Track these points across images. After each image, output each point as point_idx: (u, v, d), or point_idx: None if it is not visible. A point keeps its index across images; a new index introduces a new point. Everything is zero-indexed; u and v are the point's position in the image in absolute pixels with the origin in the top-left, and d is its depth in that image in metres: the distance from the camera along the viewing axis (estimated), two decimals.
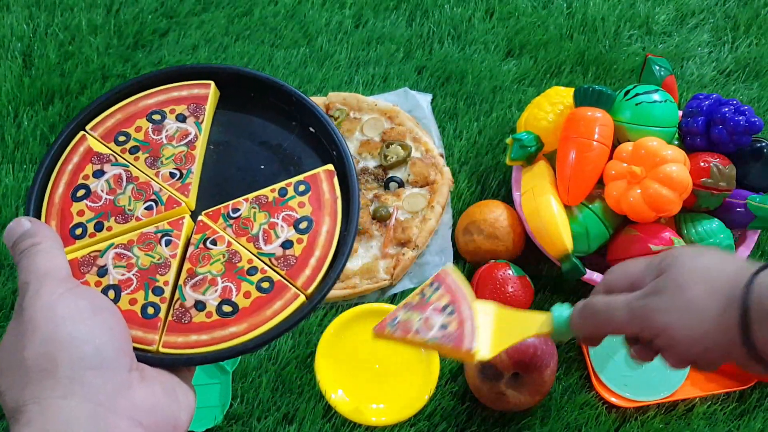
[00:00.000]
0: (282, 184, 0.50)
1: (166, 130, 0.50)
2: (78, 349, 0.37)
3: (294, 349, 0.72)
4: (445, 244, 0.78)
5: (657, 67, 0.79)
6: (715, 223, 0.72)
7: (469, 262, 0.78)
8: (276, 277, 0.47)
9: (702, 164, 0.72)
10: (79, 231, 0.47)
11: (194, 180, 0.49)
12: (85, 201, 0.48)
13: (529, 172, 0.77)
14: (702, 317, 0.42)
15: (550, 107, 0.77)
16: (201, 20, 0.92)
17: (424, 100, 0.87)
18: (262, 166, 0.52)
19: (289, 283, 0.47)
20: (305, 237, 0.48)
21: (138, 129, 0.50)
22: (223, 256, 0.47)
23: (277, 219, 0.49)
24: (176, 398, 0.41)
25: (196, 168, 0.49)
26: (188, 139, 0.50)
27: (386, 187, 0.81)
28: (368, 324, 0.70)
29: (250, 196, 0.50)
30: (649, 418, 0.71)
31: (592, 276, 0.72)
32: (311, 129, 0.53)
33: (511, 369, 0.66)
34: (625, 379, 0.71)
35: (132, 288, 0.45)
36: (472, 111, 0.87)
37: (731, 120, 0.71)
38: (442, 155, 0.83)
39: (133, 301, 0.45)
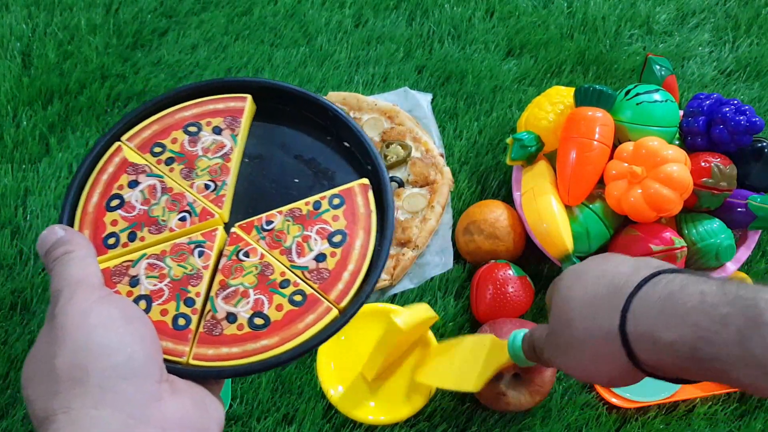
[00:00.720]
0: (316, 197, 0.50)
1: (202, 142, 0.50)
2: (109, 359, 0.37)
3: None
4: (445, 244, 0.78)
5: (658, 67, 0.78)
6: (716, 223, 0.72)
7: (469, 262, 0.77)
8: (309, 290, 0.46)
9: (703, 164, 0.71)
10: (112, 241, 0.47)
11: (228, 192, 0.49)
12: (119, 211, 0.48)
13: (529, 172, 0.77)
14: (590, 356, 0.44)
15: (550, 107, 0.77)
16: (200, 20, 0.91)
17: (424, 99, 0.87)
18: (296, 180, 0.52)
19: (322, 296, 0.46)
20: (339, 250, 0.48)
21: (174, 140, 0.50)
22: (256, 269, 0.47)
23: (311, 232, 0.49)
24: (206, 411, 0.40)
25: (231, 180, 0.49)
26: (224, 151, 0.50)
27: None
28: (370, 324, 0.70)
29: (284, 208, 0.50)
30: (649, 419, 0.71)
31: None
32: (346, 143, 0.53)
33: (512, 369, 0.66)
34: None
35: (164, 299, 0.45)
36: (473, 111, 0.87)
37: (732, 120, 0.71)
38: (442, 155, 0.83)
39: (164, 312, 0.45)
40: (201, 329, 0.45)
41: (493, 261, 0.74)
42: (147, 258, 0.47)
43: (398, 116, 0.84)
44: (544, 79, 0.91)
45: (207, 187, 0.49)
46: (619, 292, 0.41)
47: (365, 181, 0.51)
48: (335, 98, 0.85)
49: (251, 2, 0.93)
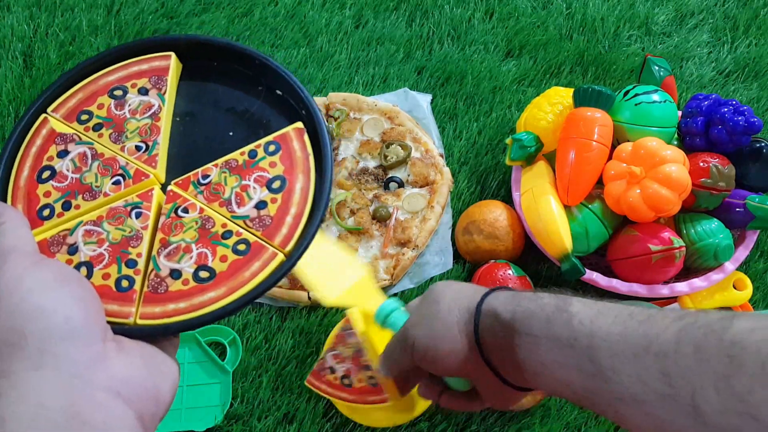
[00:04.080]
0: (251, 146, 0.50)
1: (129, 105, 0.50)
2: (46, 320, 0.36)
3: (294, 349, 0.72)
4: (445, 244, 0.79)
5: (656, 68, 0.79)
6: (715, 223, 0.72)
7: (469, 262, 0.78)
8: (252, 238, 0.46)
9: (701, 164, 0.72)
10: (46, 212, 0.47)
11: (161, 151, 0.49)
12: (50, 182, 0.48)
13: (528, 172, 0.77)
14: (443, 324, 0.49)
15: (549, 107, 0.77)
16: (201, 21, 0.92)
17: (424, 100, 0.87)
18: (231, 133, 0.52)
19: (266, 242, 0.46)
20: (279, 196, 0.48)
21: (100, 106, 0.50)
22: (196, 223, 0.47)
23: (249, 181, 0.48)
24: (157, 369, 0.40)
25: (162, 139, 0.49)
26: (152, 111, 0.50)
27: (386, 187, 0.81)
28: (373, 324, 0.70)
29: (220, 161, 0.49)
30: None
31: (592, 276, 0.72)
32: (278, 92, 0.53)
33: None
34: None
35: (104, 263, 0.45)
36: (472, 111, 0.88)
37: (730, 120, 0.71)
38: (442, 155, 0.83)
39: (106, 276, 0.44)
40: (145, 288, 0.44)
41: (492, 261, 0.74)
42: (84, 225, 0.46)
43: (398, 117, 0.84)
44: (544, 79, 0.91)
45: (138, 148, 0.48)
46: (483, 290, 0.50)
47: (299, 125, 0.50)
48: (335, 99, 0.85)
49: (252, 3, 0.93)
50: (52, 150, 0.49)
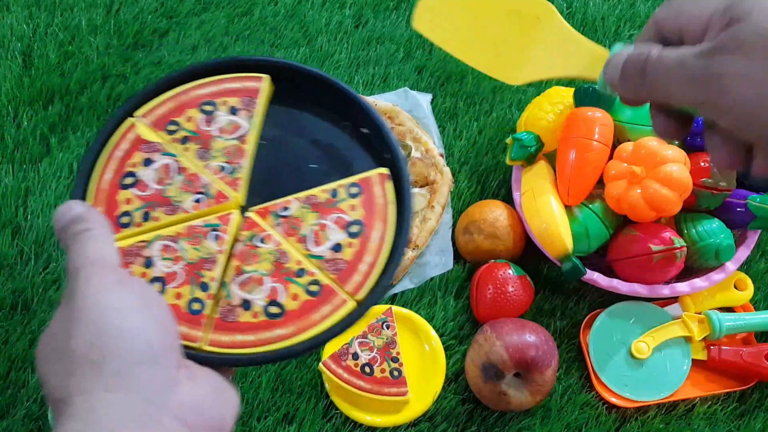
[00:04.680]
0: (334, 185, 0.48)
1: (218, 122, 0.49)
2: (128, 343, 0.36)
3: None
4: (445, 244, 0.78)
5: None
6: (716, 223, 0.72)
7: (469, 262, 0.77)
8: (325, 280, 0.45)
9: (702, 164, 0.71)
10: (126, 219, 0.46)
11: (244, 175, 0.48)
12: (132, 189, 0.47)
13: (529, 172, 0.77)
14: None
15: (550, 107, 0.77)
16: (201, 20, 0.92)
17: (424, 99, 0.87)
18: (313, 165, 0.50)
19: (339, 287, 0.45)
20: (356, 241, 0.46)
21: (189, 119, 0.49)
22: (272, 255, 0.46)
23: (328, 221, 0.47)
24: (223, 397, 0.39)
25: (246, 163, 0.48)
26: (239, 132, 0.48)
27: None
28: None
29: (301, 195, 0.48)
30: (649, 419, 0.71)
31: (593, 276, 0.72)
32: (364, 130, 0.51)
33: (513, 369, 0.66)
34: (626, 379, 0.71)
35: (178, 282, 0.44)
36: (472, 111, 0.87)
37: None
38: (442, 155, 0.83)
39: (179, 296, 0.44)
40: (216, 315, 0.44)
41: (492, 261, 0.74)
42: (161, 239, 0.45)
43: (398, 116, 0.84)
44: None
45: (222, 168, 0.47)
46: None
47: (384, 170, 0.48)
48: None
49: (251, 3, 0.93)
50: (137, 157, 0.48)
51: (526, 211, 0.75)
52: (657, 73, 0.34)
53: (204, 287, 0.44)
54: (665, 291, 0.72)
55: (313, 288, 0.45)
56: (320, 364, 0.66)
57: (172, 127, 0.48)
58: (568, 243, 0.71)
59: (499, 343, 0.66)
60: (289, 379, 0.70)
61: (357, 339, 0.67)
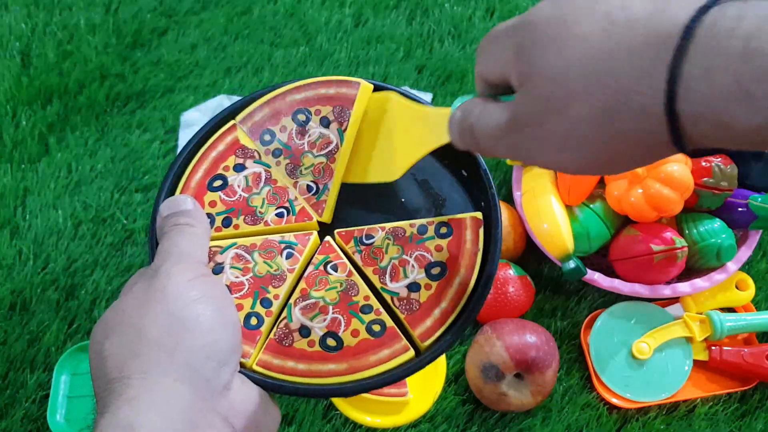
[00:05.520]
0: (423, 221, 0.46)
1: (309, 135, 0.47)
2: (202, 337, 0.36)
3: None
4: None
5: None
6: (717, 223, 0.72)
7: None
8: (389, 322, 0.43)
9: (703, 164, 0.71)
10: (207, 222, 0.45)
11: (330, 197, 0.46)
12: (219, 192, 0.46)
13: (529, 172, 0.77)
14: (603, 149, 0.28)
15: None
16: (200, 19, 0.91)
17: (425, 99, 0.86)
18: (404, 199, 0.48)
19: (403, 331, 0.43)
20: (435, 284, 0.44)
21: (282, 129, 0.48)
22: (341, 285, 0.44)
23: (410, 257, 0.45)
24: (268, 410, 0.39)
25: (333, 184, 0.46)
26: (329, 149, 0.47)
27: None
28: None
29: (388, 225, 0.46)
30: (650, 419, 0.71)
31: (593, 276, 0.72)
32: (463, 172, 0.49)
33: (513, 370, 0.65)
34: (626, 379, 0.71)
35: (242, 293, 0.43)
36: None
37: None
38: None
39: (239, 307, 0.42)
40: (272, 335, 0.42)
41: None
42: (236, 248, 0.44)
43: None
44: None
45: (309, 189, 0.46)
46: (654, 45, 0.25)
47: (479, 215, 0.45)
48: None
49: (251, 1, 0.93)
50: (231, 160, 0.47)
51: (527, 211, 0.74)
52: (482, 138, 0.34)
53: (266, 303, 0.43)
54: (666, 291, 0.71)
55: (376, 328, 0.43)
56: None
57: (267, 137, 0.48)
58: (569, 243, 0.71)
59: (500, 343, 0.66)
60: None
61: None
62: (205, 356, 0.36)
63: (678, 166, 0.67)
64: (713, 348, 0.72)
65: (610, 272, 0.73)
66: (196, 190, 0.46)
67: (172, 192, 0.46)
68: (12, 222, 0.76)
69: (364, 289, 0.44)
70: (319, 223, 0.46)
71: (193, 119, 0.83)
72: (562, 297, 0.76)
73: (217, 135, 0.48)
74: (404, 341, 0.42)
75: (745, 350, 0.71)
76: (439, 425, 0.69)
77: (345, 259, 0.45)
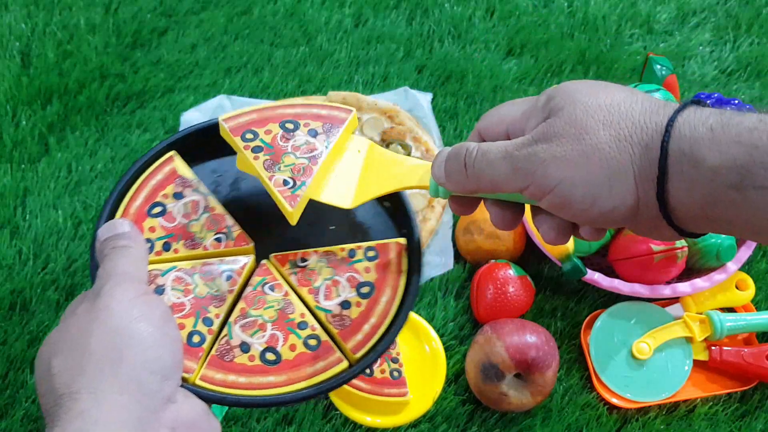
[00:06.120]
0: (353, 245, 0.51)
1: (294, 140, 0.49)
2: (145, 352, 0.38)
3: None
4: (445, 244, 0.78)
5: (658, 66, 0.78)
6: None
7: (469, 262, 0.77)
8: (324, 337, 0.47)
9: None
10: (147, 246, 0.48)
11: (304, 194, 0.47)
12: (159, 219, 0.49)
13: None
14: (607, 171, 0.34)
15: None
16: (200, 19, 0.91)
17: (425, 99, 0.86)
18: (332, 227, 0.53)
19: (337, 344, 0.47)
20: (364, 302, 0.48)
21: (268, 132, 0.49)
22: (278, 304, 0.48)
23: (341, 278, 0.49)
24: (209, 423, 0.42)
25: (311, 183, 0.48)
26: (313, 153, 0.49)
27: None
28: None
29: (321, 249, 0.50)
30: (650, 419, 0.71)
31: (593, 276, 0.72)
32: (386, 203, 0.54)
33: (513, 370, 0.65)
34: (626, 380, 0.71)
35: (184, 313, 0.46)
36: (473, 110, 0.87)
37: None
38: None
39: (181, 326, 0.45)
40: (213, 352, 0.45)
41: (493, 261, 0.74)
42: (177, 270, 0.47)
43: (398, 116, 0.84)
44: (545, 78, 0.90)
45: (285, 183, 0.47)
46: (661, 109, 0.34)
47: (402, 240, 0.51)
48: (335, 98, 0.85)
49: (251, 1, 0.93)
50: (170, 189, 0.50)
51: (527, 211, 0.74)
52: (482, 165, 0.38)
53: (207, 322, 0.46)
54: (666, 291, 0.71)
55: (312, 342, 0.46)
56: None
57: (249, 136, 0.49)
58: (569, 243, 0.71)
59: (500, 343, 0.66)
60: None
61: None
62: (148, 371, 0.38)
63: None
64: (713, 348, 0.72)
65: (610, 272, 0.73)
66: (135, 216, 0.49)
67: (111, 218, 0.48)
68: (12, 222, 0.76)
69: (300, 308, 0.48)
70: (256, 246, 0.50)
71: (193, 119, 0.83)
72: (562, 297, 0.76)
73: (155, 165, 0.51)
74: (338, 353, 0.46)
75: (745, 350, 0.71)
76: (439, 425, 0.69)
77: (281, 280, 0.49)
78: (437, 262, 0.77)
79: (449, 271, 0.77)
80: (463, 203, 0.42)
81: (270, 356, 0.46)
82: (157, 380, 0.38)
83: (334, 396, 0.68)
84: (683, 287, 0.71)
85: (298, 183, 0.47)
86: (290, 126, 0.50)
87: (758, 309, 0.76)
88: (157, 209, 0.49)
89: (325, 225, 0.53)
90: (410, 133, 0.83)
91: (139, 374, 0.37)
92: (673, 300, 0.74)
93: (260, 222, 0.51)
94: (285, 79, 0.88)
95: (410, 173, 0.45)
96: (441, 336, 0.72)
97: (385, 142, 0.82)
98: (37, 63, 0.86)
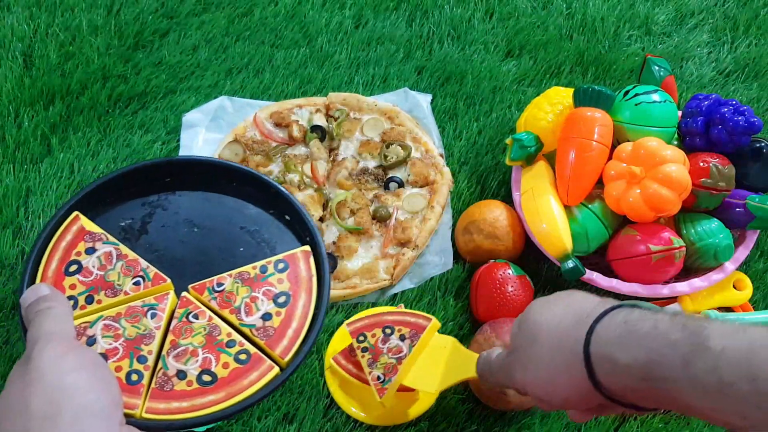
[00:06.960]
0: (263, 262, 0.56)
1: (389, 343, 0.61)
2: (81, 398, 0.40)
3: None
4: (445, 244, 0.79)
5: (656, 68, 0.79)
6: (715, 223, 0.72)
7: (469, 262, 0.78)
8: (252, 350, 0.51)
9: (701, 164, 0.72)
10: (70, 303, 0.51)
11: (392, 387, 0.59)
12: (77, 275, 0.53)
13: (528, 172, 0.77)
14: (552, 372, 0.46)
15: (549, 107, 0.77)
16: (201, 21, 0.92)
17: (424, 100, 0.87)
18: (241, 249, 0.58)
19: (266, 354, 0.51)
20: (283, 310, 0.53)
21: (374, 336, 0.62)
22: (204, 329, 0.52)
23: (258, 293, 0.54)
24: None
25: (396, 379, 0.59)
26: (399, 355, 0.61)
27: (386, 187, 0.81)
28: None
29: (234, 271, 0.55)
30: (648, 418, 0.71)
31: (592, 276, 0.72)
32: (287, 217, 0.60)
33: None
34: None
35: (118, 356, 0.49)
36: (472, 111, 0.88)
37: (730, 120, 0.71)
38: (442, 155, 0.83)
39: (118, 369, 0.49)
40: (153, 385, 0.49)
41: (492, 261, 0.74)
42: (104, 319, 0.51)
43: (398, 117, 0.84)
44: (544, 79, 0.91)
45: (379, 378, 0.60)
46: (585, 319, 0.44)
47: (307, 248, 0.57)
48: (336, 99, 0.85)
49: (252, 3, 0.93)
50: (81, 246, 0.54)
51: (526, 211, 0.75)
52: (493, 363, 0.54)
53: (142, 360, 0.50)
54: (664, 291, 0.72)
55: (242, 357, 0.51)
56: (331, 359, 0.66)
57: (361, 338, 0.62)
58: (568, 243, 0.71)
59: (499, 342, 0.66)
60: (290, 379, 0.70)
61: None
62: (89, 414, 0.40)
63: (676, 167, 0.68)
64: None
65: (608, 272, 0.74)
66: (54, 278, 0.52)
67: (32, 284, 0.52)
68: (15, 222, 0.77)
69: (226, 328, 0.52)
70: (173, 282, 0.54)
71: (195, 120, 0.83)
72: None
73: (63, 227, 0.55)
74: (268, 362, 0.51)
75: None
76: (439, 423, 0.69)
77: (203, 308, 0.53)
78: (437, 261, 0.78)
79: (449, 271, 0.77)
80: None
81: (206, 377, 0.49)
82: (98, 422, 0.40)
83: (339, 392, 0.69)
84: (681, 287, 0.72)
85: (387, 378, 0.59)
86: (388, 331, 0.62)
87: (755, 308, 0.76)
88: (74, 267, 0.53)
89: (236, 247, 0.58)
90: (410, 134, 0.83)
91: (81, 420, 0.39)
92: (672, 299, 0.75)
93: (173, 258, 0.56)
94: (286, 80, 0.88)
95: (470, 366, 0.59)
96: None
97: (385, 143, 0.82)
98: (39, 64, 0.86)
